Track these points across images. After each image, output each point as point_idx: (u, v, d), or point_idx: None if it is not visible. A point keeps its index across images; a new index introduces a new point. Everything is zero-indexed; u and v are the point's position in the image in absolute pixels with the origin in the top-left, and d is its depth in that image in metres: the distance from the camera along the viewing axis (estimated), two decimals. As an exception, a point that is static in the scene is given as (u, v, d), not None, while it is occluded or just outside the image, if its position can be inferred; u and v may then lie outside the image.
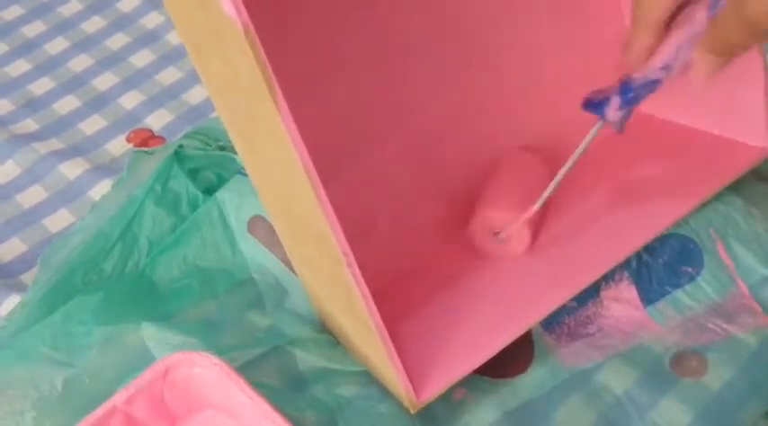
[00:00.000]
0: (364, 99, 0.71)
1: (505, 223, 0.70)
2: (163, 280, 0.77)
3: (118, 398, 0.63)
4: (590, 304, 0.71)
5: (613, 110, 0.59)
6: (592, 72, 0.72)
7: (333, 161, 0.68)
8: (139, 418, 0.63)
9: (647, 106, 0.78)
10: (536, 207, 0.67)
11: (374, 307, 0.58)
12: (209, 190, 0.81)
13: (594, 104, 0.59)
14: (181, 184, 0.81)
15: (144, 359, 0.70)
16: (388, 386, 0.66)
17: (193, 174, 0.82)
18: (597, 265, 0.69)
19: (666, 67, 0.56)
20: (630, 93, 0.57)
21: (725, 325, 0.69)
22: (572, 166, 0.64)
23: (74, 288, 0.76)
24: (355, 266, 0.56)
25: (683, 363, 0.67)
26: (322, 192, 0.53)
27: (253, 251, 0.76)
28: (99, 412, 0.62)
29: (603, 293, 0.71)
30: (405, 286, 0.72)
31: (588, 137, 0.62)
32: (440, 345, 0.66)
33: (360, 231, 0.65)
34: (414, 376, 0.63)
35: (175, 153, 0.82)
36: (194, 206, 0.80)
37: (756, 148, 0.74)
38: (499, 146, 0.77)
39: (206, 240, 0.78)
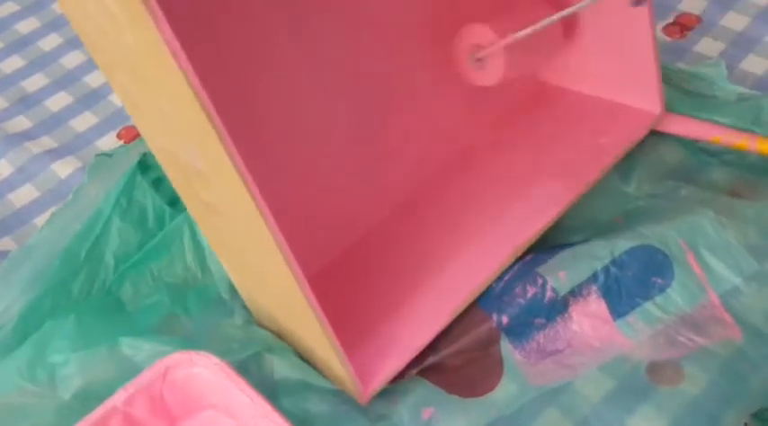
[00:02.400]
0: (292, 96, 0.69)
1: (486, 40, 0.69)
2: (130, 298, 0.76)
3: (117, 398, 0.62)
4: (558, 319, 0.69)
5: None
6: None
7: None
8: (139, 418, 0.63)
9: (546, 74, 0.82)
10: (517, 35, 0.67)
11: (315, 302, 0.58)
12: (174, 201, 0.79)
13: None
14: (146, 196, 0.79)
15: (130, 372, 0.69)
16: (336, 381, 0.66)
17: (157, 184, 0.80)
18: (519, 236, 0.72)
19: None
20: None
21: (695, 337, 0.68)
22: (570, 12, 0.65)
23: (43, 314, 0.74)
24: (298, 269, 0.56)
25: (658, 372, 0.66)
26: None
27: (222, 269, 0.75)
28: (99, 412, 0.62)
29: (572, 308, 0.70)
30: (336, 273, 0.72)
31: None
32: (380, 335, 0.67)
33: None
34: (359, 369, 0.63)
35: (138, 163, 0.80)
36: (161, 220, 0.79)
37: (650, 113, 0.78)
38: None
39: (174, 256, 0.77)
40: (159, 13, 0.45)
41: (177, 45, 0.46)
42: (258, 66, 0.66)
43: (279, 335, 0.70)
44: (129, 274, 0.77)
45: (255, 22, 0.64)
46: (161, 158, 0.61)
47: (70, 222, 0.79)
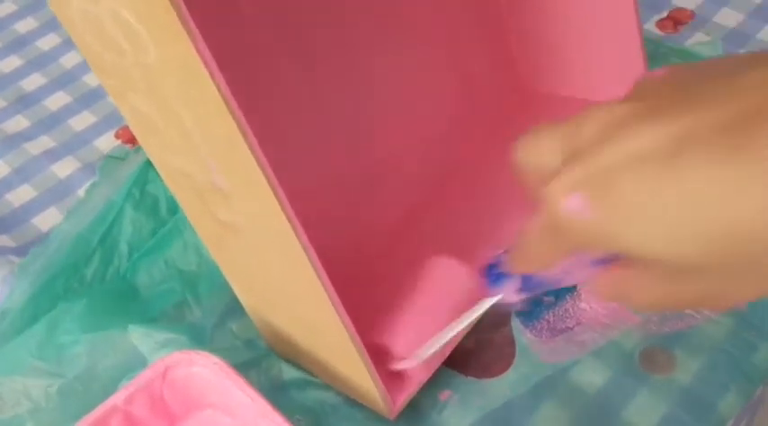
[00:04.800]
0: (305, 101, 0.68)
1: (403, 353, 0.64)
2: (144, 284, 0.76)
3: (118, 397, 0.62)
4: (568, 298, 0.69)
5: (512, 294, 0.50)
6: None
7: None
8: (139, 417, 0.62)
9: (534, 81, 0.83)
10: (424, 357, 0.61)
11: (349, 321, 0.57)
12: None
13: (494, 276, 0.51)
14: (159, 188, 0.79)
15: (135, 360, 0.70)
16: (360, 397, 0.65)
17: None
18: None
19: (567, 273, 0.46)
20: (531, 284, 0.49)
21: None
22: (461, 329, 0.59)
23: (55, 296, 0.74)
24: (328, 281, 0.54)
25: (651, 360, 0.66)
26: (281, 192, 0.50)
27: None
28: (99, 411, 0.61)
29: (581, 286, 0.69)
30: (355, 288, 0.71)
31: (483, 306, 0.55)
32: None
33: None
34: (386, 380, 0.62)
35: None
36: (173, 209, 0.79)
37: None
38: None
39: (188, 243, 0.76)
40: (194, 28, 0.44)
41: (211, 58, 0.45)
42: (263, 88, 0.65)
43: (293, 358, 0.69)
44: (144, 261, 0.77)
45: (260, 46, 0.64)
46: (171, 180, 0.60)
47: (86, 216, 0.78)
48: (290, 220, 0.51)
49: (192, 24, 0.44)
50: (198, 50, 0.44)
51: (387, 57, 0.72)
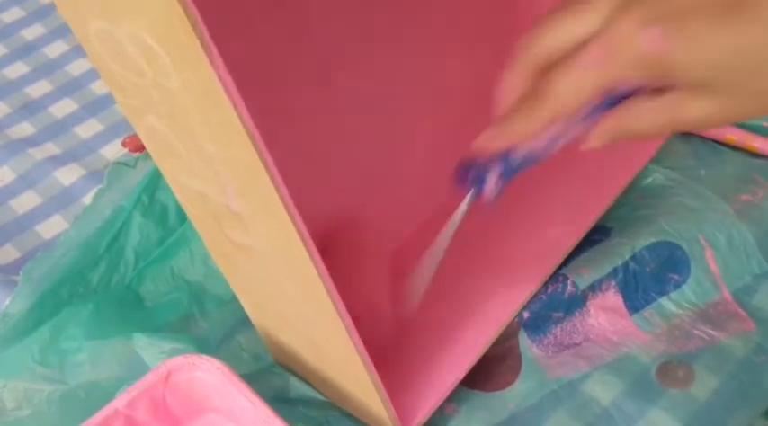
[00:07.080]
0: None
1: None
2: (149, 294, 0.76)
3: (120, 401, 0.62)
4: (576, 313, 0.69)
5: (491, 184, 0.50)
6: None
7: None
8: (141, 421, 0.62)
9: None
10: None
11: (362, 345, 0.56)
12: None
13: (469, 177, 0.51)
14: (168, 195, 0.79)
15: (138, 369, 0.69)
16: (371, 421, 0.64)
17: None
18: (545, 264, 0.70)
19: (554, 139, 0.48)
20: (513, 164, 0.49)
21: (711, 331, 0.67)
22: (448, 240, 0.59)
23: (60, 301, 0.74)
24: (344, 308, 0.54)
25: (669, 373, 0.65)
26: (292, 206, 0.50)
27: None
28: (101, 415, 0.61)
29: (590, 302, 0.69)
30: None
31: (460, 210, 0.55)
32: (418, 369, 0.65)
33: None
34: (398, 406, 0.61)
35: None
36: (182, 218, 0.78)
37: (652, 143, 0.77)
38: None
39: (195, 253, 0.76)
40: (216, 55, 0.43)
41: (233, 85, 0.44)
42: (279, 111, 0.64)
43: (301, 375, 0.69)
44: (150, 270, 0.77)
45: (279, 72, 0.64)
46: (185, 198, 0.60)
47: (93, 221, 0.78)
48: (307, 248, 0.50)
49: (214, 51, 0.43)
50: (220, 77, 0.44)
51: (406, 81, 0.72)
